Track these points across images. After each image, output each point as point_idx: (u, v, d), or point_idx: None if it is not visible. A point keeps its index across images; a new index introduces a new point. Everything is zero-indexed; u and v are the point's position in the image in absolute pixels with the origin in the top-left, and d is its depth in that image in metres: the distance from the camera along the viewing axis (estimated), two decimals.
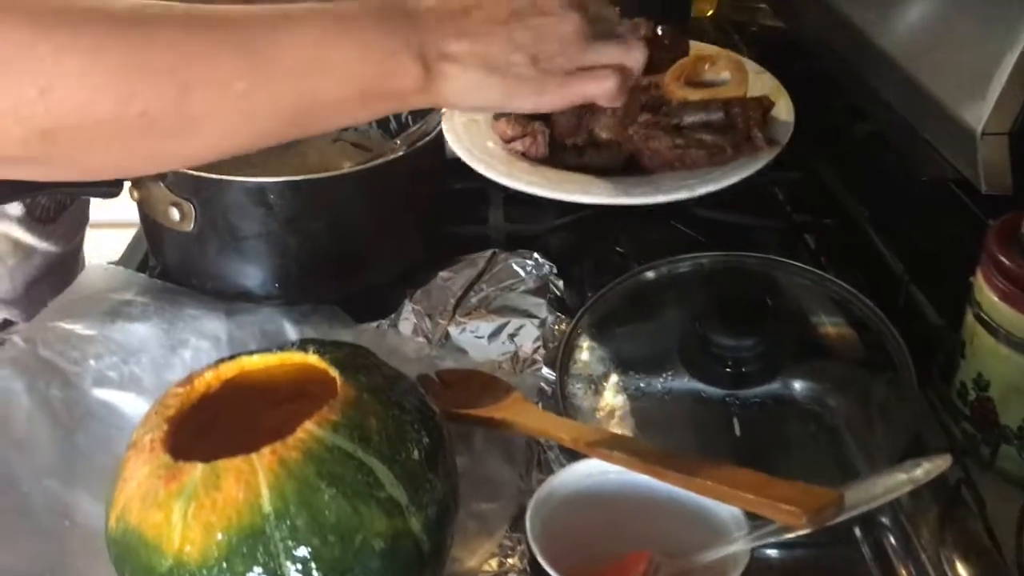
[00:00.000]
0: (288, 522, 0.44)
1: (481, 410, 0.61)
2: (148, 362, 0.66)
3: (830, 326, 0.70)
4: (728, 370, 0.63)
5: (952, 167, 0.69)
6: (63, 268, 0.89)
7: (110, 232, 1.06)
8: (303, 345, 0.54)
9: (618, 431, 0.63)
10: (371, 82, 0.51)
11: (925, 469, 0.43)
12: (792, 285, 0.72)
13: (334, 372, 0.51)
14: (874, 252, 0.80)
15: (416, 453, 0.48)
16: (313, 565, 0.44)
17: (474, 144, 0.76)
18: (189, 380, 0.53)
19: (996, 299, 0.58)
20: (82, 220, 0.91)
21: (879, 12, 0.86)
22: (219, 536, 0.44)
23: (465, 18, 0.53)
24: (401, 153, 0.69)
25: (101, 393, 0.63)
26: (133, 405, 0.64)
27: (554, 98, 0.56)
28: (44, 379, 0.62)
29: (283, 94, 0.49)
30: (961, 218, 0.69)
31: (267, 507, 0.44)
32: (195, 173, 0.65)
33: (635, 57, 0.58)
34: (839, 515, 0.43)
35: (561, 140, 0.73)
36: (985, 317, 0.59)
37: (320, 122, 0.54)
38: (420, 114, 0.81)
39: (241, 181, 0.65)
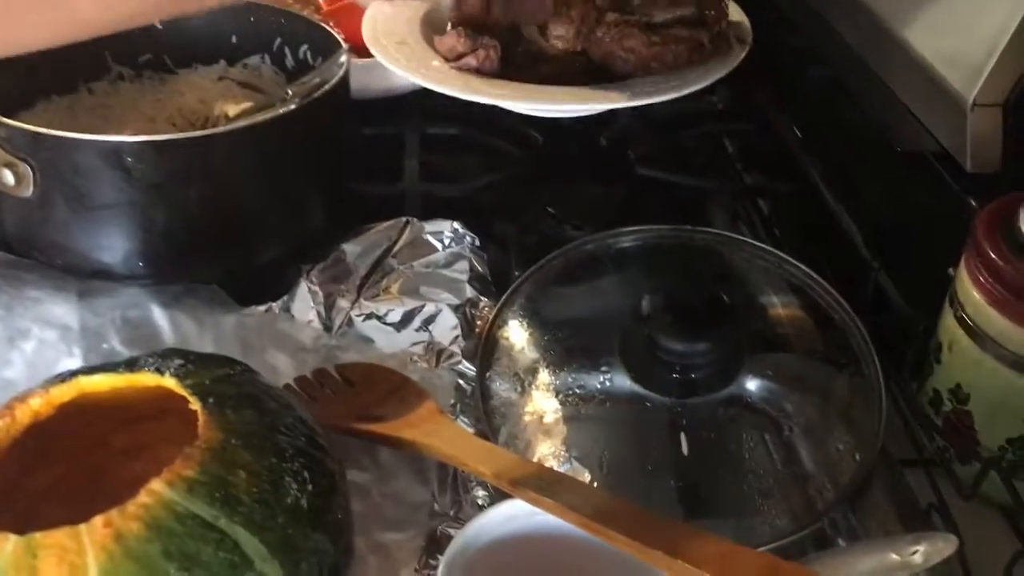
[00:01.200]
0: None
1: (388, 426, 0.51)
2: None
3: (788, 317, 0.61)
4: (676, 376, 0.54)
5: (933, 138, 0.60)
6: None
7: None
8: (160, 363, 0.43)
9: (548, 442, 0.54)
10: None
11: (924, 554, 0.35)
12: (746, 266, 0.63)
13: (196, 405, 0.40)
14: (835, 225, 0.71)
15: (297, 512, 0.39)
16: None
17: (419, 64, 0.66)
18: (9, 409, 0.42)
19: (983, 302, 0.50)
20: None
21: None
22: None
23: None
24: (293, 106, 0.57)
25: None
26: None
27: None
28: None
29: None
30: (939, 197, 0.61)
31: None
32: (31, 128, 0.52)
33: None
34: None
35: (507, 55, 0.66)
36: (969, 322, 0.51)
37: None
38: (320, 50, 0.69)
39: (89, 139, 0.52)
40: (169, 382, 0.42)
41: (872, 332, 0.58)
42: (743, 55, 0.68)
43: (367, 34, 0.69)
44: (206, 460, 0.38)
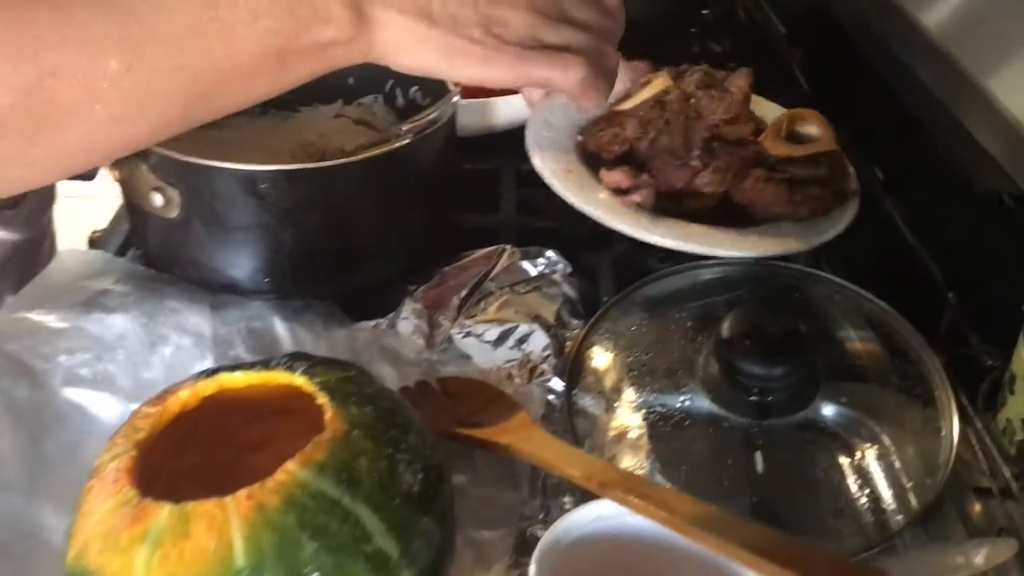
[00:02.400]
0: None
1: (485, 431, 0.56)
2: (124, 359, 0.60)
3: (864, 349, 0.64)
4: (754, 399, 0.57)
5: (1012, 182, 0.63)
6: (26, 257, 0.84)
7: (88, 203, 1.00)
8: (291, 363, 0.49)
9: (631, 456, 0.58)
10: (286, 37, 0.44)
11: (986, 556, 0.38)
12: (826, 300, 0.66)
13: (323, 399, 0.46)
14: (912, 263, 0.74)
15: (410, 497, 0.44)
16: None
17: (588, 196, 0.74)
18: (162, 399, 0.48)
19: None
20: (48, 201, 0.85)
21: None
22: None
23: None
24: (407, 141, 0.63)
25: (71, 393, 0.58)
26: (106, 407, 0.59)
27: (503, 71, 0.48)
28: (9, 377, 0.57)
29: (171, 69, 0.42)
30: (1014, 235, 0.63)
31: (240, 561, 0.39)
32: (180, 157, 0.59)
33: (610, 52, 0.52)
34: None
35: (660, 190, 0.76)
36: None
37: (230, 98, 0.47)
38: (429, 92, 0.75)
39: (230, 168, 0.59)
40: (299, 380, 0.47)
41: (947, 365, 0.60)
42: (856, 207, 0.76)
43: (537, 162, 0.77)
44: (333, 447, 0.43)
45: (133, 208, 0.65)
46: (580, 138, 0.81)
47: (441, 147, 0.68)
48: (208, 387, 0.49)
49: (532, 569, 0.44)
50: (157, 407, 0.48)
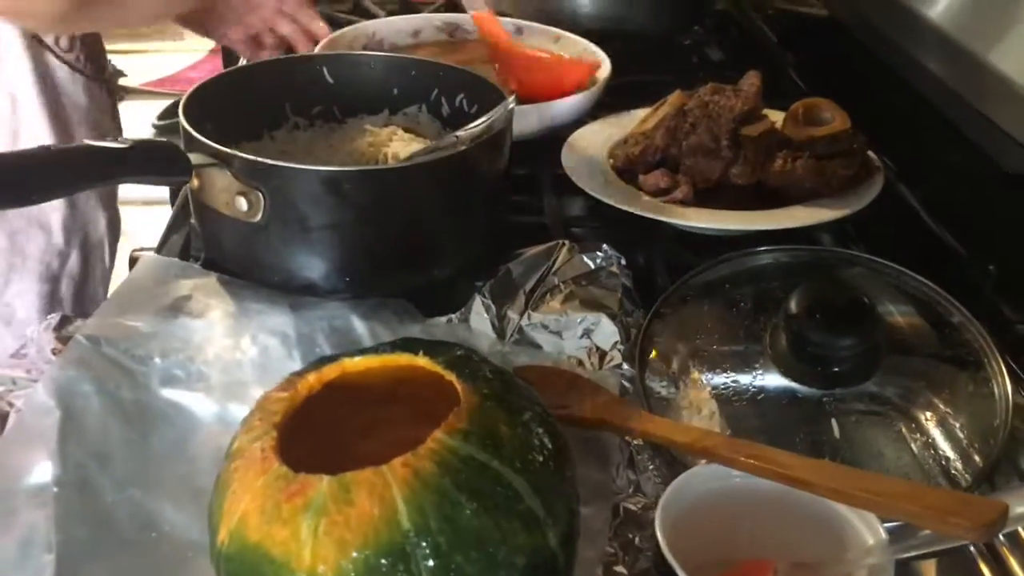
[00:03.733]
0: (430, 539, 0.41)
1: (584, 408, 0.59)
2: (215, 360, 0.62)
3: (911, 322, 0.68)
4: (826, 369, 0.61)
5: None
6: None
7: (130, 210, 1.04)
8: (409, 346, 0.51)
9: None
10: None
11: None
12: (872, 280, 0.70)
13: (450, 376, 0.48)
14: (939, 245, 0.79)
15: (546, 460, 0.46)
16: None
17: (633, 199, 0.81)
18: (291, 383, 0.50)
19: None
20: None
21: None
22: (355, 554, 0.41)
23: None
24: (472, 145, 0.66)
25: (170, 393, 0.60)
26: (202, 405, 0.60)
27: None
28: (113, 380, 0.58)
29: None
30: None
31: (405, 523, 0.42)
32: (266, 161, 0.61)
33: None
34: (1004, 526, 0.42)
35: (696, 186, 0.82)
36: None
37: None
38: (476, 99, 0.79)
39: (316, 170, 0.61)
40: (422, 360, 0.50)
41: (991, 333, 0.65)
42: (882, 180, 0.81)
43: (578, 180, 0.82)
44: (472, 416, 0.45)
45: (209, 215, 0.66)
46: (611, 160, 0.86)
47: (499, 151, 0.71)
48: (332, 371, 0.51)
49: (658, 515, 0.47)
50: (288, 391, 0.50)
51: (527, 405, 0.48)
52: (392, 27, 1.09)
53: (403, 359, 0.51)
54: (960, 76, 0.79)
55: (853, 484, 0.45)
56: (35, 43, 0.86)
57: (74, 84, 0.90)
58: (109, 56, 0.98)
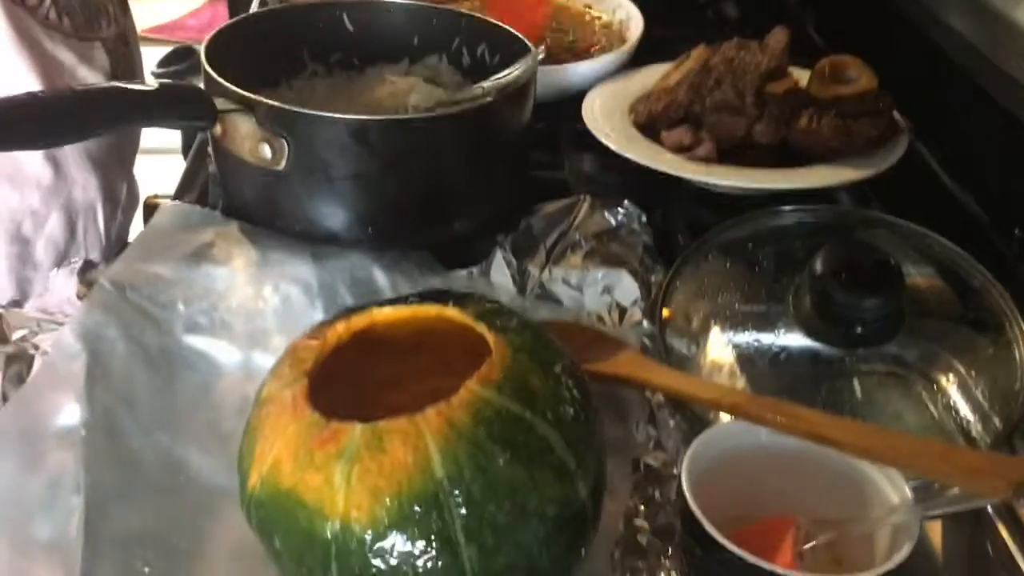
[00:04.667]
0: (463, 488, 0.42)
1: (606, 364, 0.59)
2: (238, 307, 0.62)
3: (933, 284, 0.68)
4: (850, 330, 0.61)
5: None
6: None
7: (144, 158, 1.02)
8: (438, 297, 0.51)
9: None
10: None
11: None
12: (895, 240, 0.70)
13: (481, 328, 0.48)
14: (960, 208, 0.79)
15: (574, 414, 0.46)
16: (488, 532, 0.42)
17: (656, 155, 0.79)
18: (320, 332, 0.50)
19: None
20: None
21: None
22: (388, 501, 0.42)
23: None
24: (498, 97, 0.65)
25: (193, 340, 0.60)
26: (225, 352, 0.61)
27: None
28: (138, 326, 0.58)
29: None
30: None
31: (439, 472, 0.42)
32: (292, 108, 0.61)
33: None
34: None
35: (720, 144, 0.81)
36: None
37: None
38: (497, 49, 0.78)
39: (343, 118, 0.61)
40: (451, 311, 0.50)
41: (1013, 296, 0.64)
42: (907, 139, 0.80)
43: (601, 137, 0.81)
44: (505, 368, 0.45)
45: (231, 162, 0.66)
46: (632, 115, 0.85)
47: (525, 104, 0.70)
48: (361, 321, 0.51)
49: (684, 469, 0.47)
50: (318, 340, 0.49)
51: (557, 358, 0.48)
52: None
53: (432, 310, 0.51)
54: (985, 34, 0.78)
55: (882, 442, 0.45)
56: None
57: (53, 43, 0.84)
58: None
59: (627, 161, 0.79)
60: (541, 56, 0.68)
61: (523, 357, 0.46)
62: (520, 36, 0.74)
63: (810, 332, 0.62)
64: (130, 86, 0.55)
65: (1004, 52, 0.76)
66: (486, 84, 0.70)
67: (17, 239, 0.85)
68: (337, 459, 0.43)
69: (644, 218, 0.74)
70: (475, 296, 0.52)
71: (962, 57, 0.82)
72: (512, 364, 0.46)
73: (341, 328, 0.50)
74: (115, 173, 0.93)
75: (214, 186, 0.76)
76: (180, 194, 0.78)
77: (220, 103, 0.61)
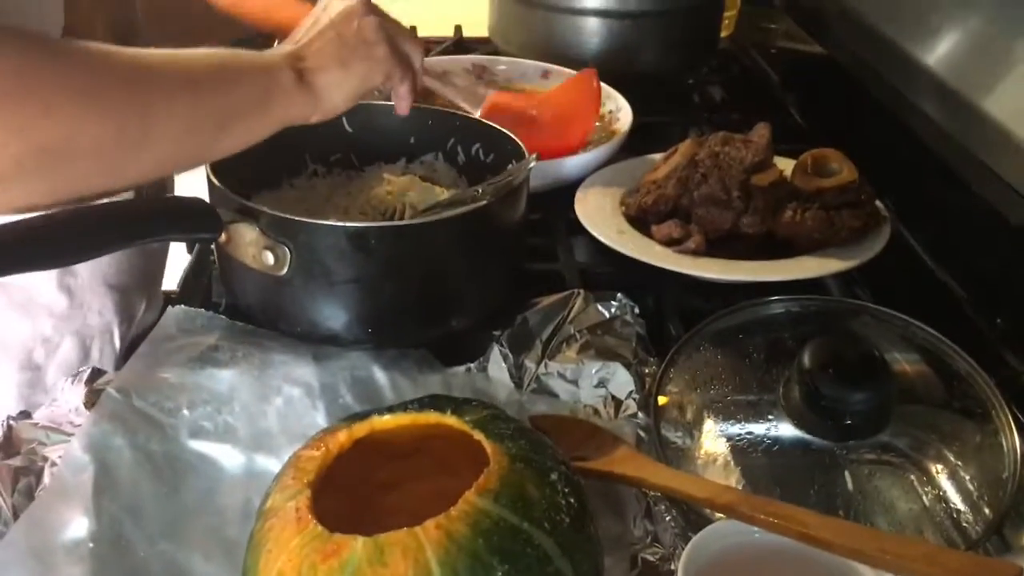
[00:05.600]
0: None
1: (600, 463, 0.60)
2: (241, 411, 0.64)
3: (918, 373, 0.70)
4: (839, 422, 0.62)
5: None
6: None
7: None
8: (437, 404, 0.53)
9: (722, 482, 0.62)
10: (265, 89, 0.64)
11: None
12: (879, 329, 0.72)
13: (479, 436, 0.50)
14: (944, 292, 0.81)
15: (572, 519, 0.47)
16: None
17: (646, 250, 0.82)
18: (322, 441, 0.52)
19: None
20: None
21: (924, 34, 0.88)
22: None
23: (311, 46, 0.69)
24: (492, 199, 0.68)
25: (198, 445, 0.61)
26: (229, 457, 0.62)
27: (391, 70, 0.71)
28: (143, 433, 0.60)
29: (209, 103, 0.60)
30: None
31: None
32: (294, 217, 0.63)
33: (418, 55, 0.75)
34: None
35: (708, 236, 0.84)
36: None
37: (238, 129, 0.63)
38: (492, 148, 0.80)
39: (343, 225, 0.63)
40: (450, 419, 0.51)
41: (998, 384, 0.66)
42: (890, 229, 0.83)
43: (593, 231, 0.84)
44: (503, 478, 0.47)
45: (234, 267, 0.68)
46: (623, 208, 0.88)
47: (518, 203, 0.73)
48: (361, 429, 0.52)
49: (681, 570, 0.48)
50: (319, 450, 0.51)
51: (553, 465, 0.49)
52: None
53: (432, 417, 0.52)
54: (959, 124, 0.81)
55: (871, 544, 0.47)
56: None
57: None
58: None
59: (614, 255, 0.82)
60: (532, 165, 0.71)
61: (520, 466, 0.48)
62: (513, 136, 0.77)
63: (800, 424, 0.64)
64: (134, 204, 0.57)
65: (976, 140, 0.79)
66: (481, 187, 0.72)
67: (28, 366, 0.83)
68: (340, 573, 0.44)
69: (637, 310, 0.75)
70: (473, 402, 0.54)
71: (938, 144, 0.85)
72: (509, 473, 0.47)
73: (343, 436, 0.52)
74: (134, 294, 0.90)
75: (217, 283, 0.79)
76: (184, 290, 0.80)
77: (224, 213, 0.63)
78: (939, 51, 0.87)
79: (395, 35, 0.73)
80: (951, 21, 0.87)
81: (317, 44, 0.69)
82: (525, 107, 0.96)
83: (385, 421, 0.53)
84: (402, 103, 0.75)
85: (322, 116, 0.69)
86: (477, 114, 0.91)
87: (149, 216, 0.58)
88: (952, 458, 0.63)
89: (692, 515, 0.60)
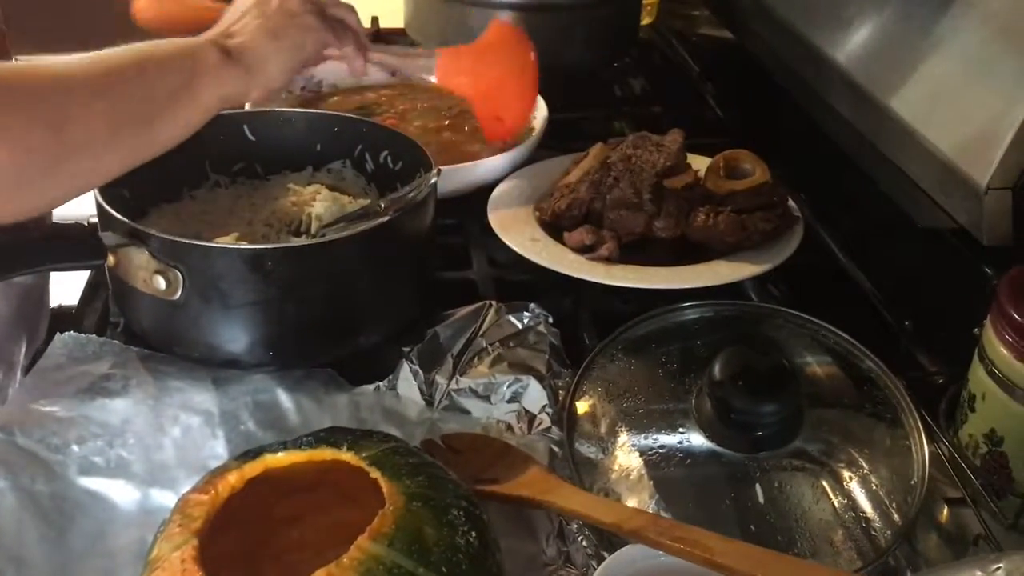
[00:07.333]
0: None
1: (507, 486, 0.59)
2: (135, 443, 0.61)
3: (830, 377, 0.70)
4: (750, 434, 0.62)
5: (950, 217, 0.70)
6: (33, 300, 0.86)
7: None
8: (332, 439, 0.51)
9: (635, 495, 0.62)
10: (190, 72, 0.63)
11: (1006, 571, 0.43)
12: (790, 333, 0.72)
13: (375, 474, 0.48)
14: (856, 293, 0.81)
15: (472, 558, 0.46)
16: None
17: (559, 258, 0.81)
18: (212, 485, 0.49)
19: (1011, 358, 0.59)
20: None
21: (834, 29, 0.88)
22: None
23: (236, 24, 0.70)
24: (396, 214, 0.66)
25: (88, 482, 0.58)
26: (122, 493, 0.59)
27: (325, 35, 0.74)
28: (28, 473, 0.57)
29: (130, 99, 0.59)
30: (957, 266, 0.70)
31: None
32: (184, 240, 0.60)
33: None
34: None
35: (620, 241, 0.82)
36: (999, 375, 0.60)
37: (169, 119, 0.62)
38: (400, 156, 0.78)
39: (237, 248, 0.60)
40: (346, 455, 0.49)
41: (907, 387, 0.66)
42: (802, 231, 0.82)
43: (506, 239, 0.82)
44: (398, 520, 0.45)
45: (126, 291, 0.65)
46: (537, 213, 0.86)
47: (425, 216, 0.71)
48: (254, 469, 0.50)
49: None
50: (208, 494, 0.49)
51: (453, 501, 0.48)
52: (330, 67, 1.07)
53: (327, 454, 0.50)
54: (868, 122, 0.81)
55: (770, 570, 0.46)
56: None
57: None
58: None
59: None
60: (435, 180, 0.69)
61: (417, 505, 0.46)
62: (417, 143, 0.75)
63: (712, 437, 0.63)
64: (3, 234, 0.53)
65: (884, 138, 0.79)
66: (383, 202, 0.70)
67: None
68: None
69: (551, 319, 0.74)
70: (373, 435, 0.52)
71: (849, 141, 0.85)
72: (405, 514, 0.46)
73: (233, 478, 0.50)
74: (10, 340, 0.87)
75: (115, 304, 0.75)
76: (80, 312, 0.76)
77: (109, 237, 0.60)
78: (849, 47, 0.87)
79: (322, 3, 0.73)
80: (862, 16, 0.86)
81: (243, 21, 0.69)
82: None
83: (279, 459, 0.51)
84: (354, 63, 0.77)
85: (262, 90, 0.69)
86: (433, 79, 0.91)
87: (22, 246, 0.55)
88: (863, 463, 0.63)
89: (605, 534, 0.59)
